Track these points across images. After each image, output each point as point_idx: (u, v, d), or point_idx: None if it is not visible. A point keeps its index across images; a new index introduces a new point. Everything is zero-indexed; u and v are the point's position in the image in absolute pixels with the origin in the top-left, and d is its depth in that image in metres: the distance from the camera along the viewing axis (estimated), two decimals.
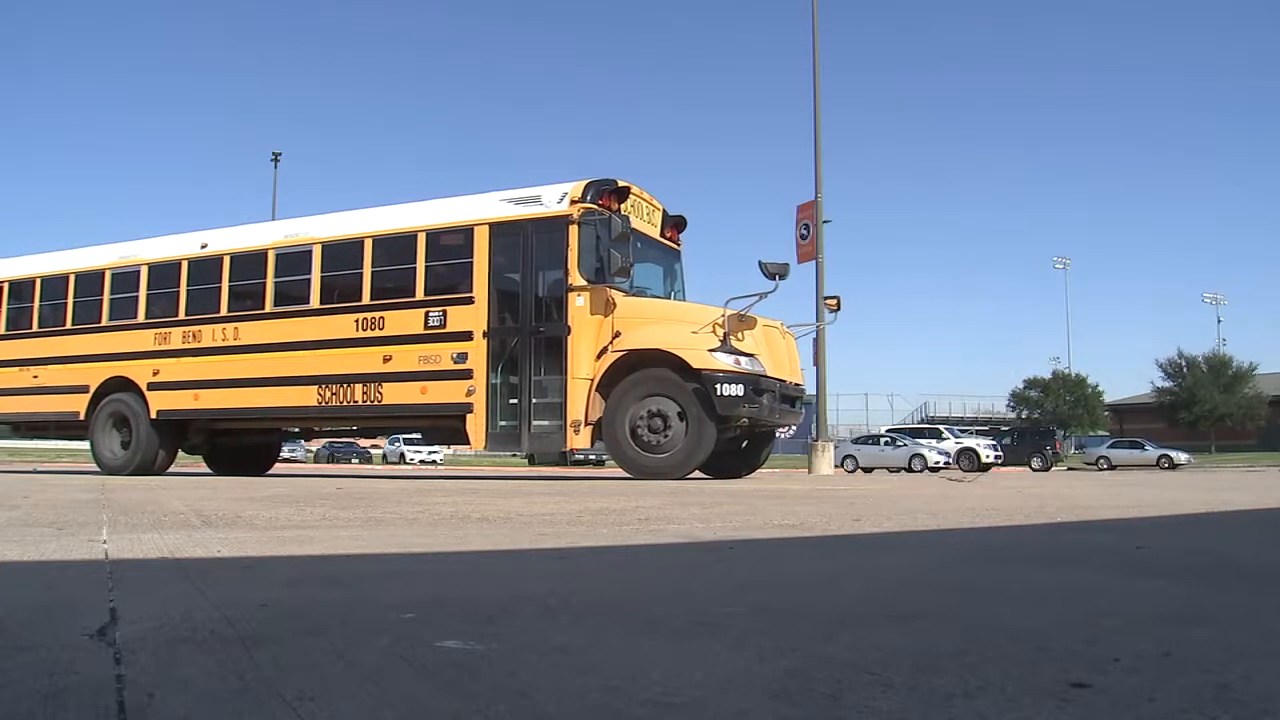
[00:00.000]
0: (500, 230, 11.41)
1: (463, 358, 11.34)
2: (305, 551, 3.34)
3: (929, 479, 15.49)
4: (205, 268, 13.53)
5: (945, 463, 31.70)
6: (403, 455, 44.99)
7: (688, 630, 1.80)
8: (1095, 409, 62.19)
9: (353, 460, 43.13)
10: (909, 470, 31.65)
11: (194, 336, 13.38)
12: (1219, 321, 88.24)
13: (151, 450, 13.70)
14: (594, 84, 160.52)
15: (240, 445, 15.33)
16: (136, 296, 14.01)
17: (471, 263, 11.45)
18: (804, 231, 21.30)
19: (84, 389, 14.07)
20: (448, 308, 11.55)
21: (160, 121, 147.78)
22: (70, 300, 14.63)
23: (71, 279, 14.64)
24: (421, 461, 42.55)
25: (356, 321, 12.15)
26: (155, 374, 13.57)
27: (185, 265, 13.69)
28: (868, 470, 32.72)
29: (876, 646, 1.62)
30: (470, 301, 11.42)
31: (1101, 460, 37.45)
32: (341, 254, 12.50)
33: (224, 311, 13.26)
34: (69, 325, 14.62)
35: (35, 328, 15.00)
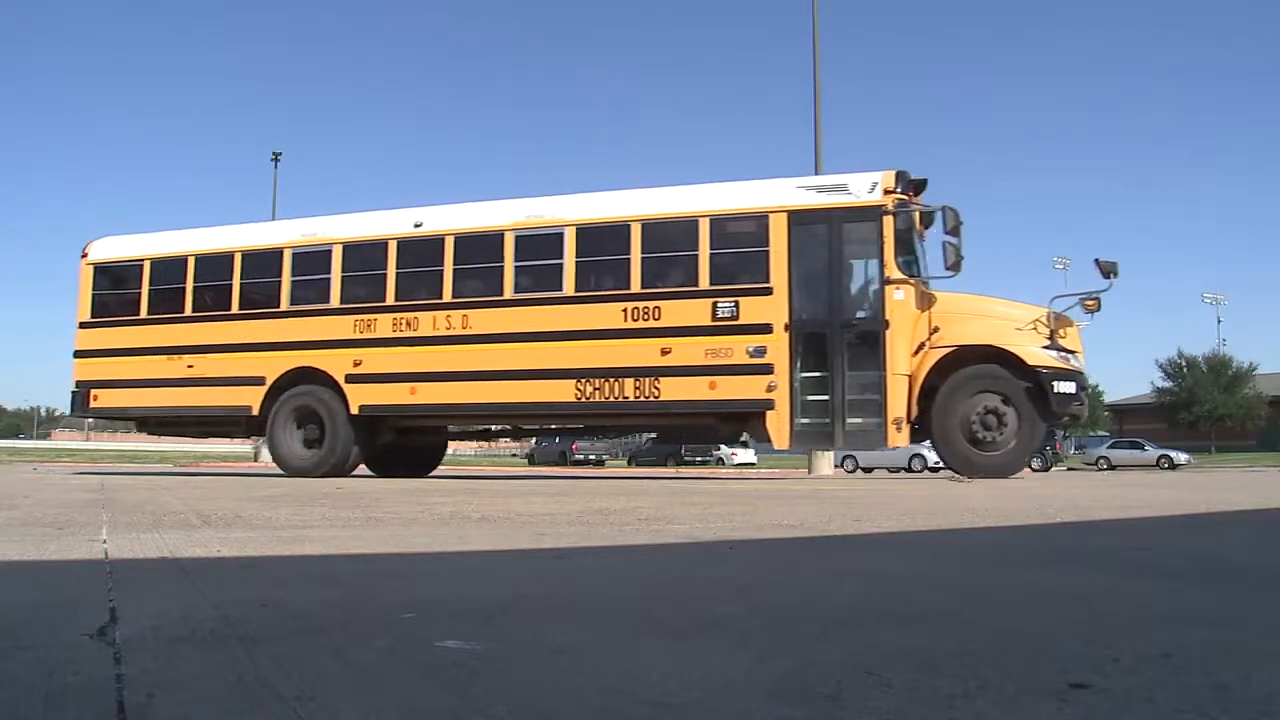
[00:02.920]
0: (800, 218, 10.74)
1: (761, 351, 10.64)
2: (305, 551, 3.34)
3: (929, 479, 15.48)
4: (421, 249, 12.24)
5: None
6: None
7: (687, 630, 1.80)
8: (1095, 409, 62.20)
9: None
10: (909, 470, 31.63)
11: (408, 324, 12.09)
12: (1219, 322, 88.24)
13: (347, 449, 12.39)
14: (594, 84, 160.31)
15: (410, 445, 13.90)
16: (328, 279, 12.56)
17: (767, 251, 10.74)
18: None
19: (258, 381, 12.59)
20: (741, 298, 10.79)
21: (161, 122, 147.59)
22: (236, 281, 13.02)
23: (237, 258, 13.03)
24: None
25: (625, 311, 11.18)
26: (356, 365, 12.23)
27: (394, 246, 12.32)
28: (868, 470, 32.70)
29: (876, 646, 1.62)
30: (768, 292, 10.70)
31: (1101, 460, 37.43)
32: (601, 238, 11.54)
33: (448, 297, 12.00)
34: (235, 309, 13.00)
35: (188, 311, 13.23)
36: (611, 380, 11.20)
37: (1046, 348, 10.32)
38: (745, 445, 44.88)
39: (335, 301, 12.54)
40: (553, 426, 14.97)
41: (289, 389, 12.54)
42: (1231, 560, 3.19)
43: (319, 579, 2.62)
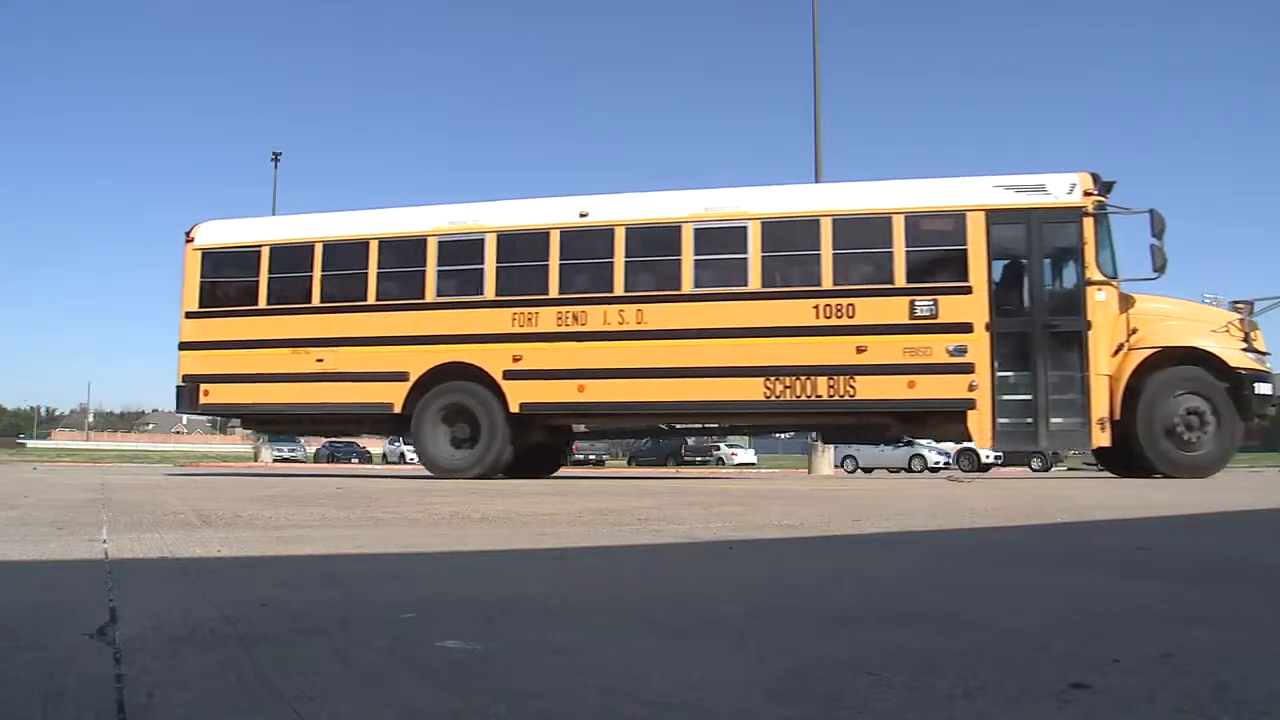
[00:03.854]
0: (998, 218, 10.66)
1: (962, 350, 10.53)
2: (305, 551, 3.34)
3: (929, 479, 15.49)
4: (588, 240, 11.70)
5: (945, 463, 31.67)
6: (403, 455, 44.92)
7: (687, 630, 1.80)
8: None
9: (353, 460, 43.11)
10: (909, 470, 31.63)
11: (575, 318, 11.53)
12: None
13: (503, 449, 11.79)
14: (594, 84, 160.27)
15: (538, 445, 13.13)
16: (480, 270, 11.87)
17: (965, 250, 10.65)
18: None
19: (401, 376, 11.86)
20: (940, 297, 10.65)
21: (160, 121, 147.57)
22: (373, 270, 12.21)
23: (374, 246, 12.24)
24: None
25: (816, 308, 10.90)
26: (516, 360, 11.64)
27: (556, 236, 11.72)
28: (867, 470, 32.70)
29: (876, 646, 1.62)
30: (968, 291, 10.60)
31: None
32: (788, 233, 11.19)
33: (620, 291, 11.44)
34: (372, 300, 12.19)
35: (316, 301, 12.39)
36: (804, 378, 10.92)
37: (1244, 350, 10.48)
38: (745, 445, 44.92)
39: (490, 293, 11.86)
40: (736, 426, 14.37)
41: (436, 385, 11.87)
42: (1231, 560, 3.19)
43: (319, 579, 2.62)
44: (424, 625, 1.83)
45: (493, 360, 11.68)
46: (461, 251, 12.07)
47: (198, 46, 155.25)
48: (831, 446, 22.19)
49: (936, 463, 31.77)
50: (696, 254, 11.33)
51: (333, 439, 56.57)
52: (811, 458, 20.19)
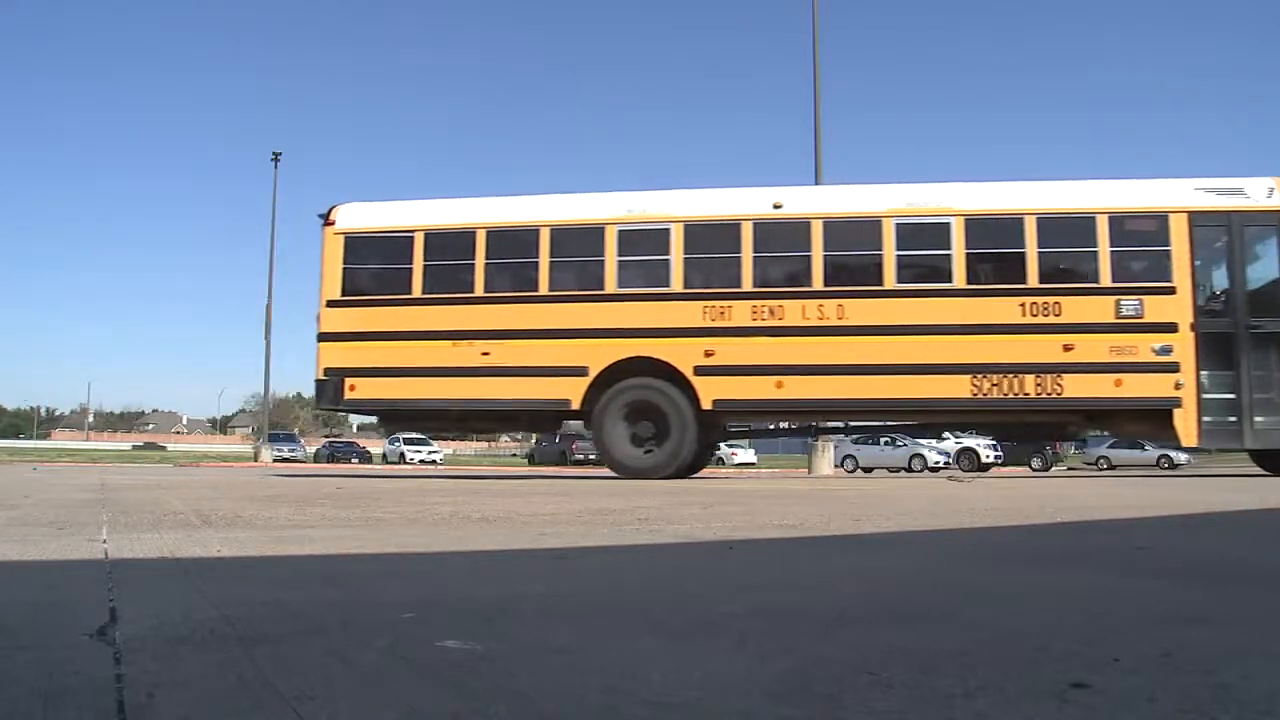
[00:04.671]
0: (1200, 220, 10.82)
1: (1167, 350, 10.65)
2: (305, 551, 3.34)
3: (929, 479, 15.48)
4: (783, 232, 11.38)
5: (945, 463, 31.67)
6: (403, 455, 44.95)
7: (687, 630, 1.80)
8: None
9: (352, 460, 43.11)
10: (909, 470, 31.61)
11: (771, 313, 11.19)
12: None
13: (693, 447, 11.42)
14: (594, 84, 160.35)
15: None
16: (665, 261, 11.42)
17: (1169, 251, 10.76)
18: None
19: (579, 371, 11.34)
20: (1144, 297, 10.76)
21: (160, 121, 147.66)
22: (545, 259, 11.65)
23: (544, 234, 11.65)
24: (421, 461, 42.50)
25: (1022, 306, 10.87)
26: (709, 355, 11.20)
27: (749, 228, 11.33)
28: (868, 470, 32.69)
29: (876, 646, 1.62)
30: (1171, 291, 10.73)
31: (1101, 460, 37.40)
32: (992, 231, 11.18)
33: (818, 285, 11.18)
34: (544, 291, 11.63)
35: (480, 291, 11.77)
36: (1010, 376, 10.85)
37: None
38: (745, 445, 44.87)
39: (677, 285, 11.41)
40: (937, 423, 14.03)
41: (617, 381, 11.34)
42: (1231, 560, 3.19)
43: (319, 579, 2.62)
44: (424, 625, 1.83)
45: (683, 355, 11.26)
46: (644, 241, 11.60)
47: (198, 46, 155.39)
48: (831, 446, 22.16)
49: (936, 463, 31.76)
50: (898, 250, 11.17)
51: (333, 439, 56.64)
52: (811, 457, 20.17)
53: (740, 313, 11.26)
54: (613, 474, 11.84)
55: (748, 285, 11.32)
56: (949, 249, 11.09)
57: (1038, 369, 10.80)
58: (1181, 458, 36.32)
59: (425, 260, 11.85)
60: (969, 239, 11.07)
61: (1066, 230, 11.03)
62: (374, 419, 14.77)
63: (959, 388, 10.92)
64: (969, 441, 33.32)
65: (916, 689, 1.33)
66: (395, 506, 5.82)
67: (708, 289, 11.40)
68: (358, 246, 12.11)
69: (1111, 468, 35.87)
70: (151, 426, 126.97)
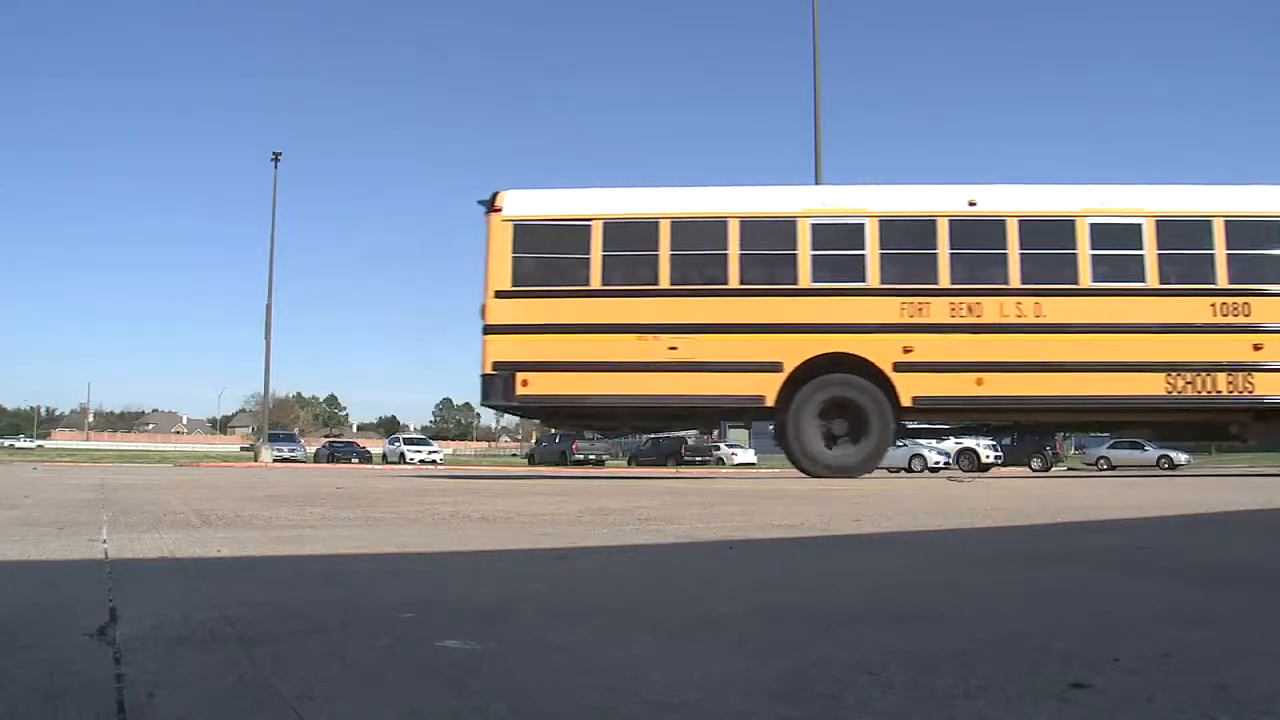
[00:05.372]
0: None
1: None
2: (305, 551, 3.34)
3: (929, 479, 15.47)
4: (979, 230, 11.39)
5: (945, 463, 31.65)
6: (402, 455, 44.97)
7: (687, 630, 1.80)
8: None
9: (352, 460, 43.12)
10: (909, 470, 31.58)
11: (969, 310, 11.18)
12: None
13: (889, 445, 11.52)
14: (594, 85, 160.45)
15: None
16: (862, 255, 11.31)
17: None
18: None
19: (773, 367, 11.13)
20: None
21: (160, 122, 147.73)
22: (734, 252, 11.36)
23: (734, 225, 11.35)
24: (421, 461, 42.52)
25: (1213, 306, 11.08)
26: (907, 352, 11.11)
27: (945, 224, 11.29)
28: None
29: (876, 646, 1.62)
30: None
31: (1101, 460, 37.39)
32: (1181, 232, 11.31)
33: (1015, 283, 11.19)
34: (735, 284, 11.35)
35: (665, 283, 11.41)
36: (1203, 375, 10.99)
37: None
38: (745, 445, 44.89)
39: (873, 281, 11.28)
40: (1126, 421, 14.14)
41: (810, 377, 11.17)
42: (1231, 560, 3.19)
43: (319, 579, 2.62)
44: (424, 625, 1.83)
45: (882, 351, 11.13)
46: (838, 236, 11.44)
47: (198, 47, 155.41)
48: None
49: (936, 463, 31.75)
50: (1092, 249, 11.25)
51: (333, 439, 56.60)
52: None
53: (939, 309, 11.23)
54: (612, 475, 11.89)
55: (945, 282, 11.27)
56: (1141, 249, 11.22)
57: (1229, 367, 10.99)
58: (1182, 458, 36.33)
59: (604, 250, 11.45)
60: (1160, 240, 11.20)
61: (1253, 233, 11.29)
62: (521, 417, 14.02)
63: (1154, 385, 11.01)
64: (969, 441, 33.28)
65: (916, 689, 1.33)
66: (395, 506, 5.82)
67: (905, 285, 11.31)
68: (528, 234, 11.64)
69: (1111, 468, 35.85)
70: (151, 426, 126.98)
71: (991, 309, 11.20)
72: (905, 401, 11.14)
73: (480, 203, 11.87)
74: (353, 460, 42.73)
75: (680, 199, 11.87)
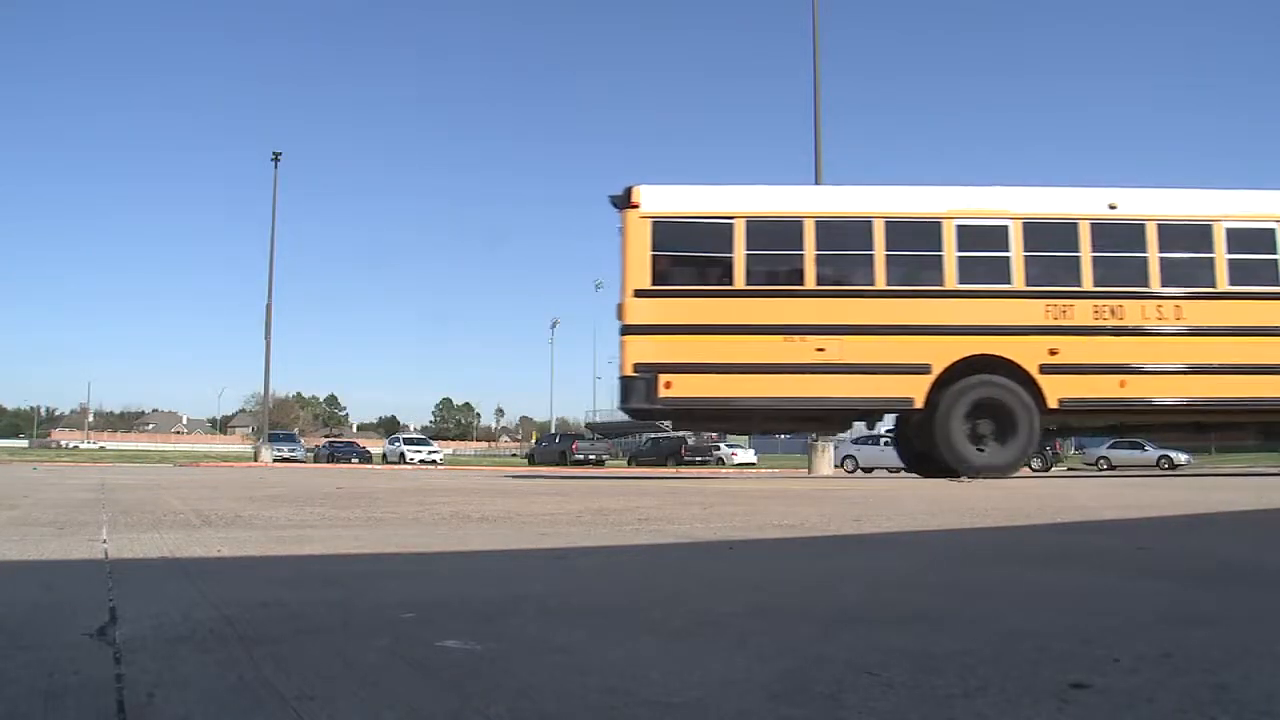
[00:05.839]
0: None
1: None
2: (305, 551, 3.34)
3: (929, 479, 15.45)
4: (1118, 233, 11.51)
5: None
6: (402, 455, 44.97)
7: (687, 630, 1.80)
8: None
9: (352, 460, 43.13)
10: (909, 470, 31.56)
11: (1113, 312, 11.27)
12: None
13: (1036, 446, 11.73)
14: (593, 85, 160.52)
15: None
16: (1006, 257, 11.33)
17: None
18: None
19: (923, 369, 11.15)
20: None
21: (160, 122, 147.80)
22: (879, 252, 11.32)
23: (878, 225, 11.31)
24: (422, 461, 42.52)
25: None
26: (1053, 354, 11.16)
27: (1087, 227, 11.38)
28: (868, 470, 32.68)
29: (876, 646, 1.62)
30: None
31: (1101, 460, 37.38)
32: None
33: (1155, 286, 11.37)
34: (881, 285, 11.28)
35: (811, 284, 11.32)
36: None
37: None
38: (745, 445, 44.89)
39: (1018, 283, 11.32)
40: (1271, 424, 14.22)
41: (957, 379, 11.17)
42: (1231, 560, 3.19)
43: (319, 579, 2.62)
44: (424, 625, 1.83)
45: (1028, 353, 11.19)
46: (983, 237, 11.46)
47: (198, 47, 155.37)
48: (831, 446, 22.18)
49: None
50: (1228, 253, 11.38)
51: (333, 439, 56.60)
52: (811, 457, 20.18)
53: (1082, 312, 11.31)
54: (612, 475, 11.90)
55: (1088, 284, 11.37)
56: (1274, 254, 11.36)
57: None
58: (1181, 458, 36.30)
59: (747, 249, 11.29)
60: None
61: None
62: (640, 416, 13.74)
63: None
64: None
65: (916, 689, 1.33)
66: (395, 506, 5.83)
67: (1050, 287, 11.38)
68: (667, 231, 11.44)
69: (1111, 468, 35.85)
70: (151, 426, 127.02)
71: (1133, 311, 11.31)
72: (1052, 403, 11.20)
73: (612, 198, 11.66)
74: (353, 460, 42.72)
75: (823, 197, 11.94)
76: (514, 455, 68.13)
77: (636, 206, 11.42)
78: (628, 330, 11.29)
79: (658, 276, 11.35)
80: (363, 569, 2.94)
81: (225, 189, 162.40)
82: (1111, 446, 39.25)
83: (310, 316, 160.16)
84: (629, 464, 42.22)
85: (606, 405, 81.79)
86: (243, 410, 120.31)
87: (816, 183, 20.69)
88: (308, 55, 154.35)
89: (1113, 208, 11.55)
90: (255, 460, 33.41)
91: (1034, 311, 11.27)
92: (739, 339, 11.18)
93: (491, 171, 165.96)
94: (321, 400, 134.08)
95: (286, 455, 38.90)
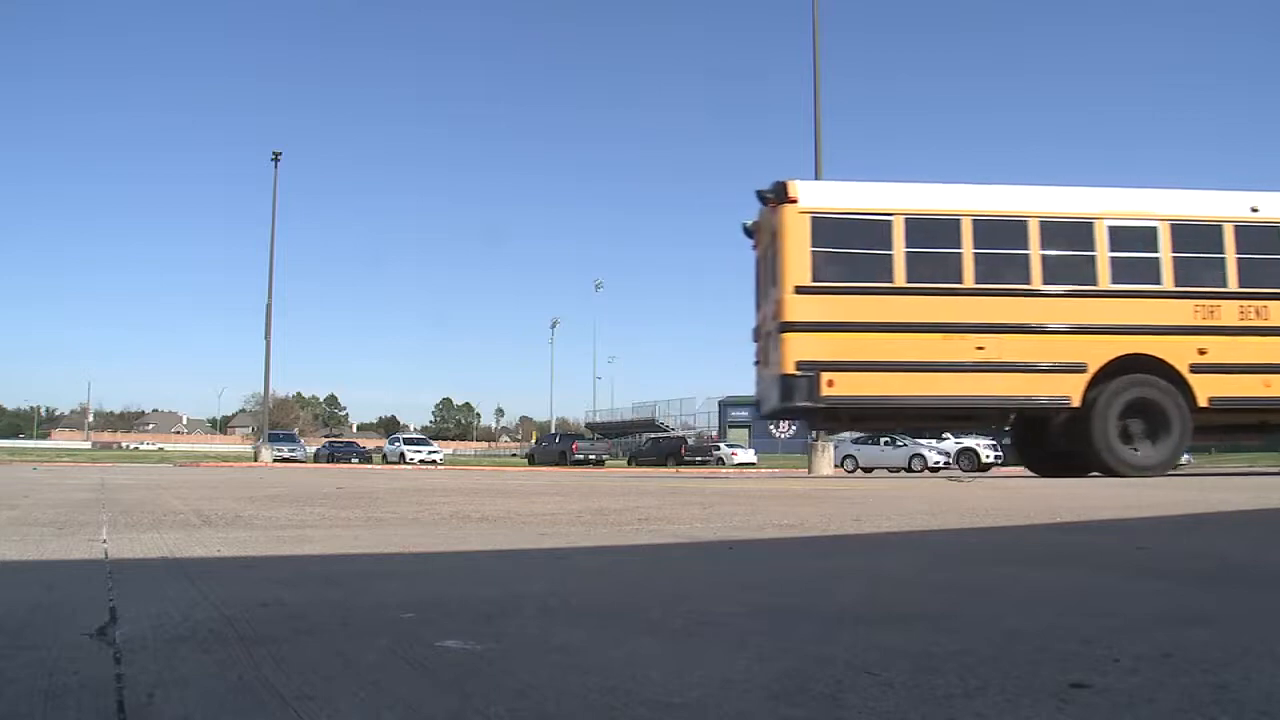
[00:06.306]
0: None
1: None
2: (305, 551, 3.34)
3: (929, 479, 15.47)
4: (1261, 235, 11.68)
5: (945, 463, 31.63)
6: (402, 455, 44.97)
7: (687, 630, 1.80)
8: None
9: (352, 460, 43.13)
10: (909, 470, 31.58)
11: (1257, 313, 11.49)
12: None
13: (1187, 445, 11.97)
14: (593, 85, 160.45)
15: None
16: (1156, 258, 11.53)
17: None
18: None
19: (1078, 368, 11.30)
20: None
21: (160, 122, 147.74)
22: (1035, 252, 11.45)
23: (1033, 225, 11.45)
24: (421, 462, 42.52)
25: None
26: (1201, 354, 11.36)
27: (1231, 230, 11.59)
28: (868, 470, 32.68)
29: (876, 646, 1.62)
30: None
31: None
32: None
33: None
34: (1037, 284, 11.45)
35: (969, 282, 11.41)
36: None
37: None
38: (745, 445, 44.87)
39: (1168, 283, 11.51)
40: None
41: (1109, 378, 11.34)
42: (1231, 560, 3.19)
43: (319, 579, 2.62)
44: (424, 625, 1.83)
45: (1178, 353, 11.34)
46: (1133, 239, 11.60)
47: (198, 47, 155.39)
48: (831, 446, 22.19)
49: (936, 463, 31.72)
50: None
51: (333, 439, 56.54)
52: (811, 457, 20.17)
53: (1228, 312, 11.47)
54: (617, 475, 11.90)
55: (1233, 285, 11.53)
56: None
57: None
58: (1182, 459, 36.20)
59: (906, 246, 11.36)
60: None
61: None
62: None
63: None
64: (969, 442, 33.32)
65: (916, 689, 1.33)
66: (395, 506, 5.83)
67: (1197, 288, 11.53)
68: (826, 228, 11.45)
69: None
70: (151, 426, 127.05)
71: (1276, 312, 11.47)
72: (1202, 402, 11.32)
73: (761, 194, 11.70)
74: (353, 460, 42.72)
75: (979, 196, 11.91)
76: (514, 455, 68.12)
77: (795, 202, 11.42)
78: (788, 328, 11.25)
79: (817, 273, 11.34)
80: (363, 569, 2.94)
81: (225, 189, 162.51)
82: None
83: (310, 316, 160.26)
84: (629, 464, 42.22)
85: (606, 405, 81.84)
86: (243, 410, 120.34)
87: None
88: (308, 55, 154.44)
89: (1254, 210, 11.70)
90: (255, 460, 33.41)
91: (1183, 312, 11.42)
92: (900, 337, 11.25)
93: (491, 171, 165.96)
94: (321, 400, 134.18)
95: (286, 455, 38.90)
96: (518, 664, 1.51)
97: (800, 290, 11.26)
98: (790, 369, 11.17)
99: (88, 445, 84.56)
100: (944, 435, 33.79)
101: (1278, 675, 1.43)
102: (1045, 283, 11.48)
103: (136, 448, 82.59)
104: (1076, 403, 11.32)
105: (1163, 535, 4.31)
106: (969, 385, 11.31)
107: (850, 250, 11.62)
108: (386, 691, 1.33)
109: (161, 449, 77.74)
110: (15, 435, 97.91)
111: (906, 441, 33.67)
